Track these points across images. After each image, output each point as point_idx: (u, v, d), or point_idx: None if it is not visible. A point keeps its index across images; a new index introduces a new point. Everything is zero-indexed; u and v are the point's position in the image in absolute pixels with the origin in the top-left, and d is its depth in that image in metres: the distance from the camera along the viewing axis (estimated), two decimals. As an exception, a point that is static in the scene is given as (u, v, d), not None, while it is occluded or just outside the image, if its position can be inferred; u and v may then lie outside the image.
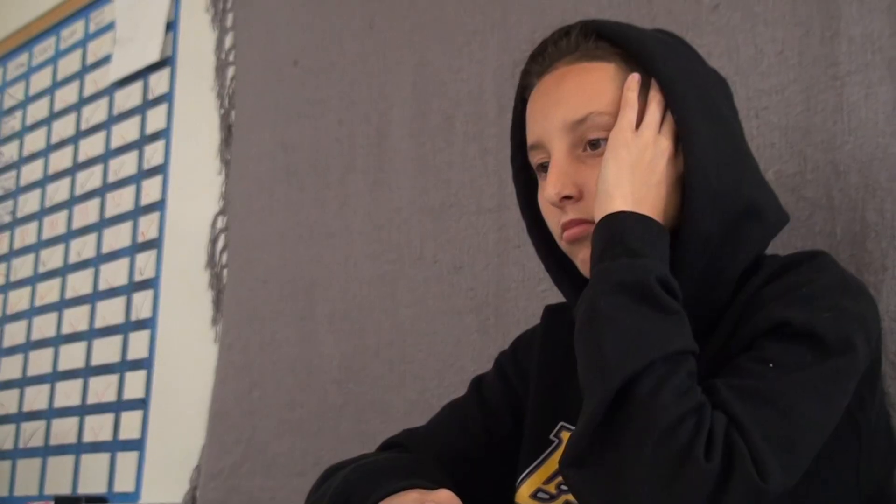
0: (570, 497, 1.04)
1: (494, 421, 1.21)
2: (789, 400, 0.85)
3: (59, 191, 2.90)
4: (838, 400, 0.89)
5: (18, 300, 2.94)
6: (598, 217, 0.97)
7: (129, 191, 2.64)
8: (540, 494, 1.09)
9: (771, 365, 0.88)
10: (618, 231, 0.95)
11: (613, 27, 1.05)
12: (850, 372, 0.90)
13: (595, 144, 1.01)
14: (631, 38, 1.04)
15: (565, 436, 1.11)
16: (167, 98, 2.60)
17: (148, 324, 2.48)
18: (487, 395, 1.24)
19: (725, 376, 0.89)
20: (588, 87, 1.03)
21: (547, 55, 1.09)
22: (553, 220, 1.06)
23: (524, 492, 1.11)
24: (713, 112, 1.03)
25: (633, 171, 0.98)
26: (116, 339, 2.55)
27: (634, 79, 1.01)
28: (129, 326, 2.53)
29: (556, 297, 1.58)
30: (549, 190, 1.01)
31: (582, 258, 1.03)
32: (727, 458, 0.80)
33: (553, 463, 1.10)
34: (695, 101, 1.01)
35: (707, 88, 1.05)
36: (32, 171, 3.03)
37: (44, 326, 2.82)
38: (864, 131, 1.26)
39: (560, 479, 1.08)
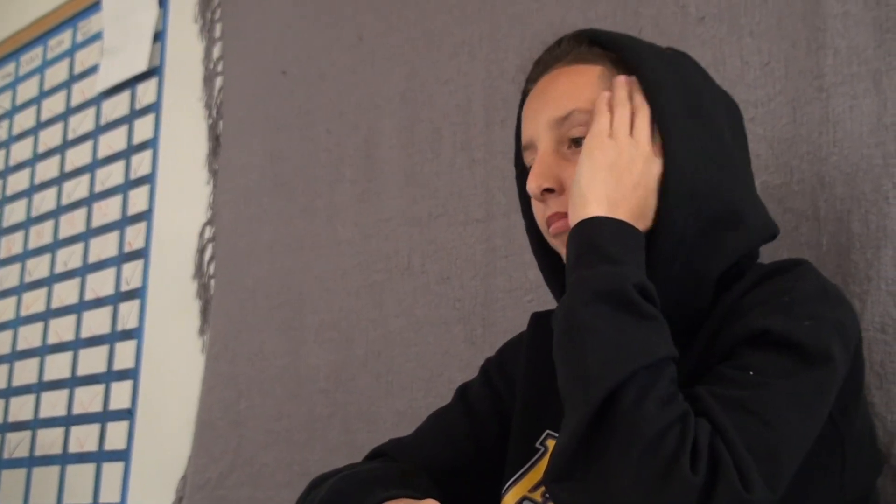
0: None
1: (480, 428, 1.21)
2: (772, 410, 0.85)
3: (45, 200, 2.89)
4: (819, 409, 0.89)
5: (4, 310, 2.93)
6: (573, 221, 0.97)
7: (115, 201, 2.63)
8: (525, 503, 1.09)
9: (751, 373, 0.87)
10: (593, 237, 0.94)
11: (606, 34, 1.08)
12: (831, 380, 0.89)
13: (578, 142, 1.03)
14: (622, 44, 1.06)
15: (551, 444, 1.11)
16: (154, 108, 2.59)
17: (134, 334, 2.47)
18: (473, 403, 1.24)
19: (708, 384, 0.89)
20: (574, 87, 1.05)
21: (542, 61, 1.12)
22: (539, 214, 1.08)
23: (509, 500, 1.10)
24: (702, 119, 1.03)
25: (609, 174, 0.97)
26: (102, 350, 2.54)
27: (619, 81, 1.02)
28: (115, 336, 2.52)
29: (543, 306, 1.59)
30: (530, 183, 1.03)
31: (559, 249, 1.07)
32: (712, 468, 0.80)
33: (539, 471, 1.09)
34: (680, 105, 1.01)
35: (700, 98, 1.05)
36: (19, 181, 3.02)
37: (29, 336, 2.80)
38: (850, 143, 1.27)
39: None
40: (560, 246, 1.06)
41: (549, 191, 1.03)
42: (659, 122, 1.00)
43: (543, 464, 1.09)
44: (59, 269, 2.77)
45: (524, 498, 1.09)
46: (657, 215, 0.99)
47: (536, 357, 1.20)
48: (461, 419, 1.23)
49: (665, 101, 1.01)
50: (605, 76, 1.05)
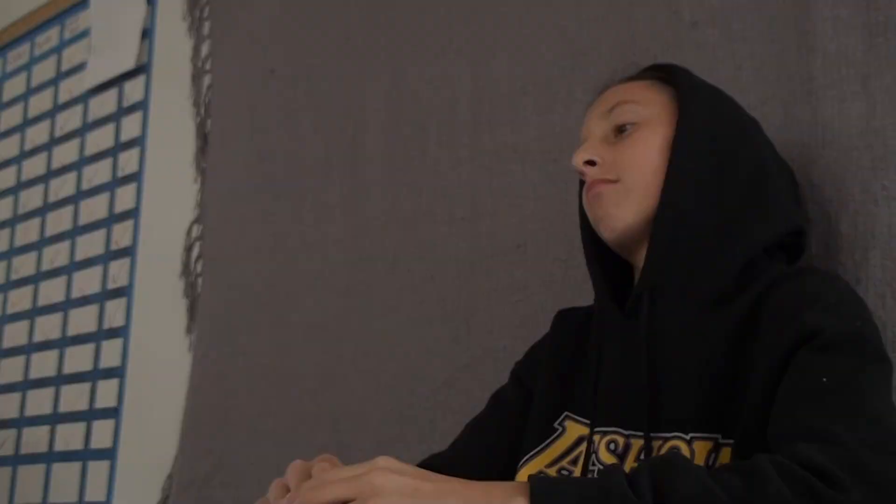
0: None
1: (514, 423, 1.23)
2: (872, 410, 0.86)
3: (32, 198, 2.88)
4: (892, 400, 0.91)
5: (-10, 308, 2.92)
6: None
7: (102, 198, 2.62)
8: (542, 475, 1.10)
9: (825, 380, 0.88)
10: None
11: (659, 65, 1.23)
12: (891, 377, 0.93)
13: (622, 129, 1.13)
14: (666, 65, 1.21)
15: (569, 424, 1.14)
16: (142, 106, 2.58)
17: (121, 332, 2.46)
18: (503, 403, 1.28)
19: (795, 406, 0.88)
20: (623, 89, 1.17)
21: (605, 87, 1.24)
22: (584, 197, 1.16)
23: (526, 472, 1.13)
24: (724, 116, 1.15)
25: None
26: (89, 348, 2.53)
27: None
28: (101, 335, 2.52)
29: (528, 307, 1.59)
30: (574, 158, 1.13)
31: (593, 216, 1.14)
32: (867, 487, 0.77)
33: (556, 449, 1.13)
34: (705, 102, 1.13)
35: (725, 101, 1.18)
36: (5, 178, 3.01)
37: (15, 334, 2.79)
38: (838, 145, 1.27)
39: (562, 464, 1.11)
40: (592, 211, 1.14)
41: (590, 163, 1.12)
42: (681, 106, 1.11)
43: (561, 442, 1.14)
44: (45, 266, 2.76)
45: (541, 471, 1.12)
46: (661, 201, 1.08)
47: (560, 344, 1.25)
48: (492, 420, 1.27)
49: (693, 92, 1.13)
50: (654, 84, 1.16)
